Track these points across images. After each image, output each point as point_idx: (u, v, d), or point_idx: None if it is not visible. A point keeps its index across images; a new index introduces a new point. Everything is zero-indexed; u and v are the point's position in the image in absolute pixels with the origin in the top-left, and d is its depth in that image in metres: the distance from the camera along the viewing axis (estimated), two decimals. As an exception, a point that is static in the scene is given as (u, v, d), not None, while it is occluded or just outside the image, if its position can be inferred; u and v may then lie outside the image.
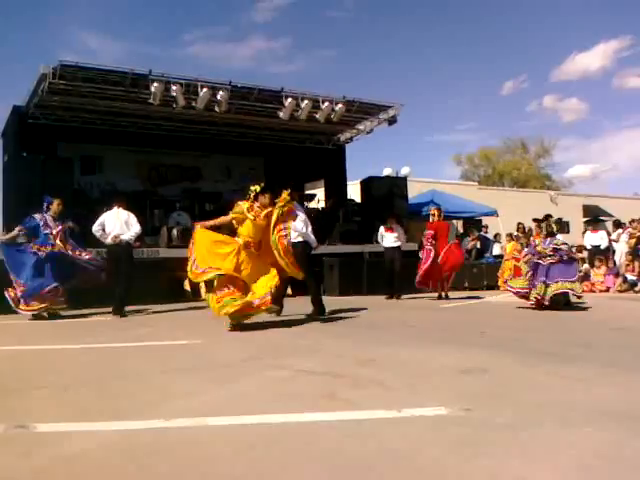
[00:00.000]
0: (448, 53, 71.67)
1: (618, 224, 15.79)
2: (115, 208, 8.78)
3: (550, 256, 9.08)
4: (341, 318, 7.54)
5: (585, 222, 16.62)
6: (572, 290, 8.95)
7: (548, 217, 10.06)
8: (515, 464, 2.36)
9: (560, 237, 9.62)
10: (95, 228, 8.63)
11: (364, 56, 72.74)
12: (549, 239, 9.31)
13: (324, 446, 2.62)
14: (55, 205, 8.34)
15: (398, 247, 11.70)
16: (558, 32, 67.73)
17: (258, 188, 7.06)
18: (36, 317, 8.03)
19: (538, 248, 9.26)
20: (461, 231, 19.35)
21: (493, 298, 11.88)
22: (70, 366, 4.74)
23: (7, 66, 61.48)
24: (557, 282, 8.91)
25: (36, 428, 2.93)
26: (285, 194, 7.17)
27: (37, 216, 8.21)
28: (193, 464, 2.42)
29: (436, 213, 11.61)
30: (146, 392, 3.77)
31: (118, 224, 8.65)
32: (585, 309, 9.18)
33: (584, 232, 16.64)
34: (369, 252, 13.22)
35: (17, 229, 8.27)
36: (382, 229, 11.75)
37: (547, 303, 8.88)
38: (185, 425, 2.96)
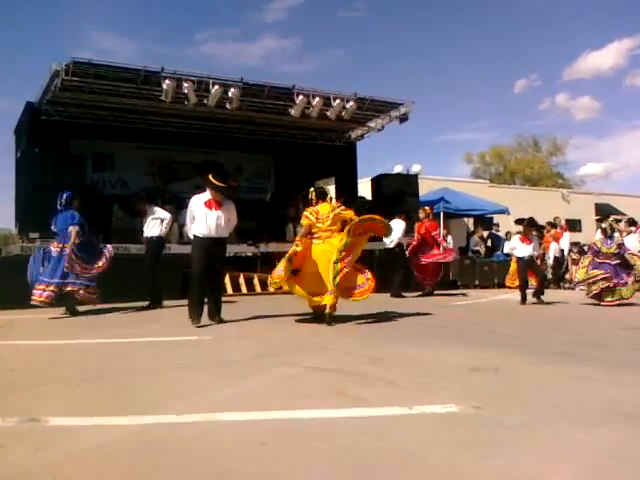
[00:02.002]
0: (460, 52, 71.32)
1: (632, 222, 15.65)
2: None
3: (615, 255, 9.65)
4: (351, 316, 7.52)
5: (597, 220, 16.47)
6: (620, 299, 9.51)
7: (530, 220, 10.33)
8: (526, 463, 2.35)
9: (617, 235, 10.16)
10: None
11: (375, 56, 72.83)
12: (609, 240, 9.71)
13: (335, 443, 2.62)
14: (77, 201, 8.39)
15: None
16: (571, 30, 67.24)
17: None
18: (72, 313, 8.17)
19: (603, 250, 9.64)
20: (472, 229, 19.30)
21: (504, 296, 11.84)
22: (82, 361, 4.77)
23: (22, 64, 62.14)
24: (615, 289, 9.54)
25: (48, 422, 2.95)
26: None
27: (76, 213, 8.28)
28: (204, 460, 2.43)
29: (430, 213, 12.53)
30: (157, 388, 3.79)
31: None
32: (597, 308, 9.14)
33: (597, 230, 16.51)
34: (379, 249, 13.18)
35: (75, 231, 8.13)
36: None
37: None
38: (196, 421, 2.97)
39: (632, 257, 10.06)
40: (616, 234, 10.14)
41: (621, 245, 9.82)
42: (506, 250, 10.33)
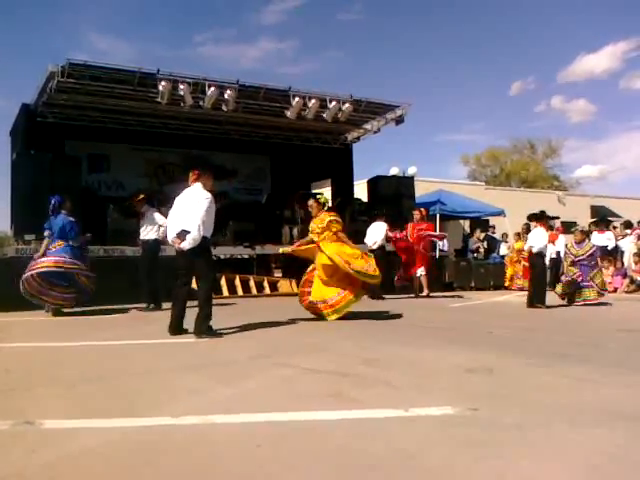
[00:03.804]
0: (456, 54, 71.52)
1: (628, 224, 15.72)
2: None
3: (587, 258, 10.05)
4: (347, 317, 7.52)
5: (591, 223, 16.53)
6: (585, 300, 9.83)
7: (543, 213, 10.26)
8: (523, 464, 2.35)
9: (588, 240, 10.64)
10: None
11: (372, 58, 72.97)
12: (582, 243, 10.26)
13: (331, 445, 2.61)
14: (69, 203, 8.44)
15: None
16: (566, 33, 67.45)
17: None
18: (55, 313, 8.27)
19: (573, 251, 10.19)
20: (468, 231, 19.28)
21: (501, 298, 11.86)
22: (78, 363, 4.75)
23: (19, 66, 62.14)
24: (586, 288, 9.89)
25: (43, 425, 2.94)
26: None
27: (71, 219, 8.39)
28: (200, 462, 2.42)
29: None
30: (153, 390, 3.78)
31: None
32: (593, 310, 9.18)
33: (591, 233, 16.56)
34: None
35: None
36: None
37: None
38: (192, 423, 2.96)
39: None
40: (585, 241, 10.56)
41: (594, 251, 10.24)
42: (542, 247, 9.91)
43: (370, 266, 7.46)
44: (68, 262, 8.09)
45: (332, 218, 7.63)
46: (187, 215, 6.09)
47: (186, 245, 6.04)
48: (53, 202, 8.37)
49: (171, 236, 6.22)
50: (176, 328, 6.16)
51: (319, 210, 7.75)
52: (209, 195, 6.23)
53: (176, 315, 6.23)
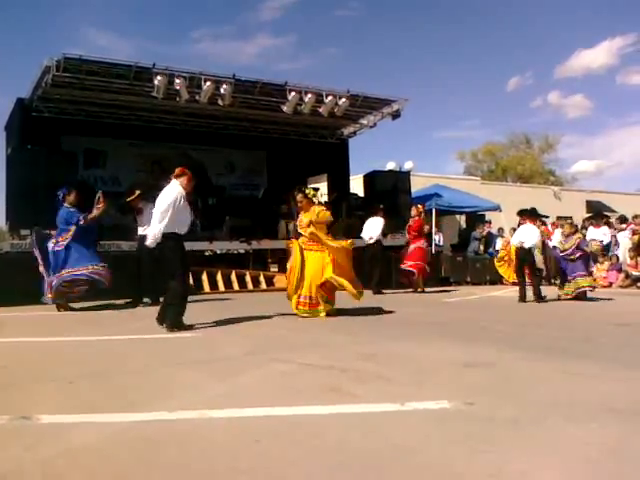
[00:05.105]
0: (453, 50, 71.35)
1: (623, 219, 15.75)
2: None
3: (575, 250, 9.88)
4: (344, 313, 7.53)
5: (586, 218, 16.55)
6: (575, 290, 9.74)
7: (534, 210, 10.32)
8: (519, 459, 2.36)
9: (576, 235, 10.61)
10: None
11: (370, 54, 72.87)
12: (567, 238, 10.13)
13: (329, 440, 2.62)
14: (73, 196, 8.39)
15: None
16: (563, 29, 67.37)
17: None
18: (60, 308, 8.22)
19: (560, 247, 10.09)
20: (464, 226, 19.27)
21: (496, 293, 11.88)
22: (74, 359, 4.75)
23: (15, 61, 61.87)
24: (575, 279, 9.76)
25: (40, 420, 2.94)
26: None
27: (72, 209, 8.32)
28: (197, 457, 2.42)
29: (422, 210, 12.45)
30: (150, 385, 3.78)
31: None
32: (588, 305, 9.21)
33: (586, 228, 16.58)
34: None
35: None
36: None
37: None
38: (189, 418, 2.96)
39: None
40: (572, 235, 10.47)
41: (580, 242, 10.13)
42: (534, 243, 9.93)
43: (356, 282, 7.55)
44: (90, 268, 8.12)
45: (319, 209, 7.65)
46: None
47: (148, 242, 6.04)
48: (59, 194, 8.33)
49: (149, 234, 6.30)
50: (163, 319, 6.18)
51: (309, 204, 7.71)
52: (179, 190, 6.19)
53: (162, 306, 6.33)
